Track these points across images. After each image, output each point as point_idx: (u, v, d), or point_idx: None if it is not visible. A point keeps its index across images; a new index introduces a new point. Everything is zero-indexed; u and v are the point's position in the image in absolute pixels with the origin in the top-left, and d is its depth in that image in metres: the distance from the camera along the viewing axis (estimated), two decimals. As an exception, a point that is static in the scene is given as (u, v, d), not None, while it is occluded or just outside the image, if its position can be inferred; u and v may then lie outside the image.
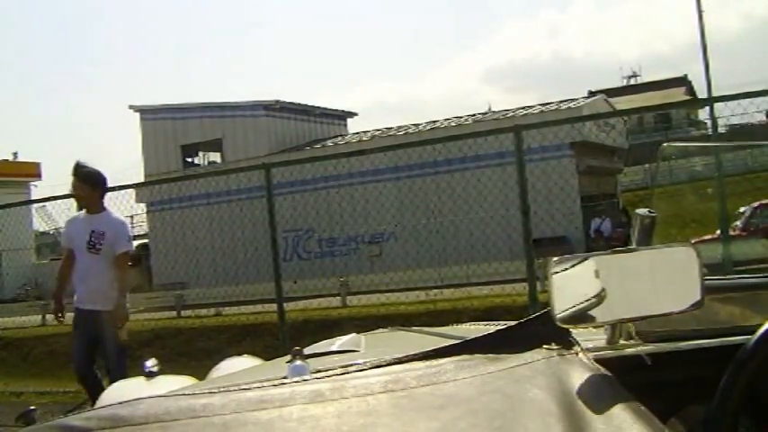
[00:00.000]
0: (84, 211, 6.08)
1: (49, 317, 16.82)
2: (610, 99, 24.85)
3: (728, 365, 1.07)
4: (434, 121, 23.94)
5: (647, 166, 28.42)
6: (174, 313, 16.76)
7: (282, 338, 7.99)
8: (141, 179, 22.93)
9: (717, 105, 8.38)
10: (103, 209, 6.04)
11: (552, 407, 0.95)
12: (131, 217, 32.46)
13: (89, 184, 5.95)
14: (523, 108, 22.99)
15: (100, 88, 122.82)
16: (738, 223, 13.15)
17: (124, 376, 5.38)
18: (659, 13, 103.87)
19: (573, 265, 1.16)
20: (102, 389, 5.79)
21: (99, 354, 5.96)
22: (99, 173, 6.07)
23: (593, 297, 1.13)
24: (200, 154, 27.03)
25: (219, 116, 25.13)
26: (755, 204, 13.91)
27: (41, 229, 31.80)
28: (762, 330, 1.07)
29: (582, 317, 1.13)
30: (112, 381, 5.26)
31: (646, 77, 51.11)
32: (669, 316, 1.20)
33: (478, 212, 15.44)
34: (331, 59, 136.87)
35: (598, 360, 1.07)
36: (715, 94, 12.18)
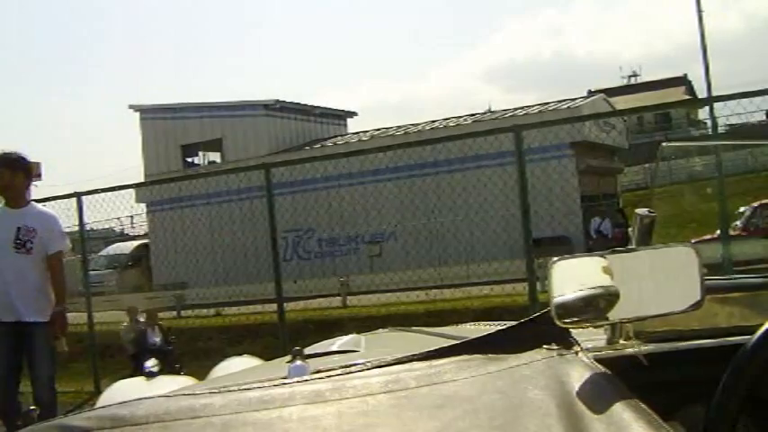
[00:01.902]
0: (1, 205, 5.23)
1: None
2: (609, 99, 24.85)
3: (728, 365, 1.07)
4: (434, 121, 23.94)
5: (647, 166, 28.41)
6: (174, 313, 16.77)
7: (282, 338, 7.99)
8: (141, 179, 22.94)
9: (716, 105, 8.40)
10: (29, 201, 5.23)
11: (552, 407, 0.95)
12: (131, 217, 32.66)
13: (21, 172, 5.13)
14: (523, 108, 22.99)
15: (100, 88, 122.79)
16: (738, 223, 13.16)
17: (54, 404, 4.98)
18: (660, 13, 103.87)
19: (573, 266, 1.16)
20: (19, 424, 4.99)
21: (31, 374, 5.15)
22: (27, 159, 5.27)
23: (589, 288, 1.13)
24: (200, 154, 27.04)
25: (219, 116, 25.14)
26: (755, 204, 13.91)
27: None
28: (762, 331, 1.07)
29: (576, 308, 1.13)
30: (42, 414, 4.56)
31: (646, 77, 51.06)
32: (669, 316, 1.20)
33: (478, 212, 15.44)
34: (331, 59, 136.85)
35: (598, 360, 1.07)
36: (715, 93, 12.19)
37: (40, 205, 5.49)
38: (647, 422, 0.89)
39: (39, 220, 5.13)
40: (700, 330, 1.34)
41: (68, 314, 5.56)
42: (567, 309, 1.11)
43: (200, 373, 2.50)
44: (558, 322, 1.11)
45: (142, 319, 10.98)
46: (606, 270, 1.14)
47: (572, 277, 1.14)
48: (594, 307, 1.13)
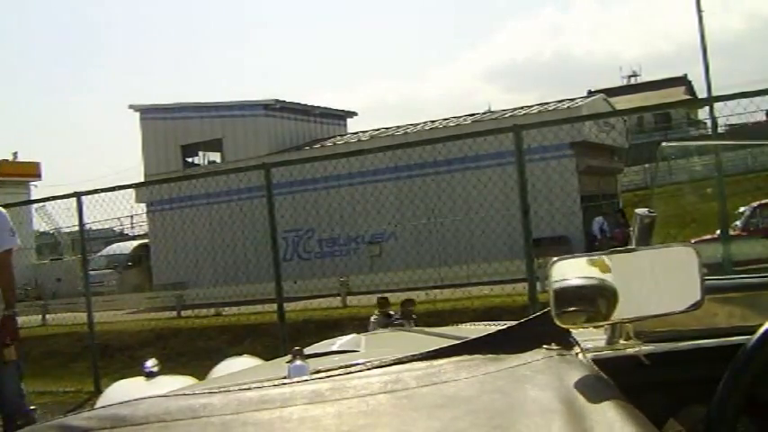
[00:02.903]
0: None
1: (49, 317, 16.84)
2: (609, 99, 24.83)
3: (728, 365, 1.07)
4: (434, 121, 23.93)
5: (647, 166, 28.40)
6: (174, 313, 16.78)
7: (282, 338, 7.99)
8: (141, 179, 22.94)
9: (716, 105, 8.40)
10: None
11: (552, 407, 0.95)
12: (131, 217, 32.69)
13: None
14: (523, 108, 22.98)
15: (100, 88, 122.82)
16: (738, 223, 13.17)
17: (23, 397, 4.74)
18: (660, 13, 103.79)
19: (573, 266, 1.16)
20: None
21: None
22: None
23: (594, 297, 1.13)
24: (201, 154, 27.03)
25: (219, 116, 25.13)
26: (755, 204, 13.91)
27: (41, 229, 31.86)
28: (762, 331, 1.07)
29: (575, 295, 1.13)
30: (21, 416, 4.54)
31: (646, 77, 51.01)
32: (669, 316, 1.20)
33: (478, 212, 15.43)
34: (331, 59, 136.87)
35: (598, 360, 1.07)
36: (715, 93, 12.17)
37: None
38: (644, 425, 0.89)
39: None
40: (700, 330, 1.34)
41: (69, 314, 5.25)
42: (566, 296, 1.11)
43: (200, 373, 2.50)
44: (557, 322, 1.11)
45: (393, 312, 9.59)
46: (603, 267, 1.14)
47: (571, 273, 1.14)
48: (591, 298, 1.13)
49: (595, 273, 1.14)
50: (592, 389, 0.99)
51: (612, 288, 1.13)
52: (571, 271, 1.15)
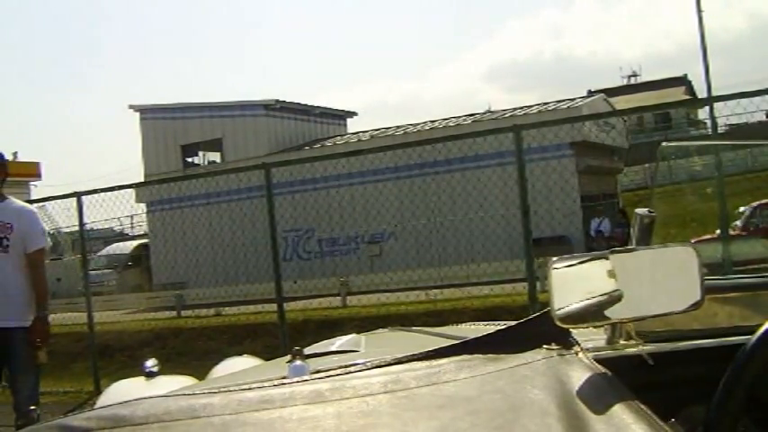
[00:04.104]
0: None
1: (49, 317, 16.77)
2: (609, 99, 24.83)
3: (728, 365, 1.07)
4: (434, 121, 23.92)
5: (646, 165, 28.39)
6: (174, 313, 16.78)
7: (282, 338, 7.99)
8: (141, 179, 22.93)
9: (716, 105, 8.39)
10: (5, 196, 4.78)
11: (552, 407, 0.95)
12: (131, 217, 32.68)
13: None
14: (523, 108, 22.98)
15: (100, 88, 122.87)
16: (738, 223, 13.16)
17: (37, 404, 4.66)
18: (660, 12, 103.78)
19: (572, 265, 1.16)
20: None
21: (11, 385, 4.79)
22: (0, 152, 4.88)
23: (593, 297, 1.13)
24: (201, 154, 27.04)
25: (219, 116, 25.13)
26: (755, 204, 13.91)
27: (41, 229, 31.73)
28: (762, 330, 1.07)
29: (582, 317, 1.13)
30: (22, 416, 4.50)
31: (646, 77, 50.98)
32: (669, 316, 1.20)
33: (478, 212, 15.43)
34: (331, 59, 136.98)
35: (598, 360, 1.07)
36: (715, 93, 12.18)
37: (18, 200, 5.01)
38: (647, 423, 0.89)
39: (16, 214, 4.73)
40: (700, 330, 1.34)
41: (69, 314, 5.24)
42: (572, 318, 1.11)
43: (200, 373, 2.50)
44: (557, 322, 1.11)
45: None
46: (610, 273, 1.14)
47: (573, 283, 1.14)
48: (598, 312, 1.13)
49: (598, 282, 1.13)
50: (595, 387, 0.99)
51: (619, 294, 1.13)
52: (572, 280, 1.14)
